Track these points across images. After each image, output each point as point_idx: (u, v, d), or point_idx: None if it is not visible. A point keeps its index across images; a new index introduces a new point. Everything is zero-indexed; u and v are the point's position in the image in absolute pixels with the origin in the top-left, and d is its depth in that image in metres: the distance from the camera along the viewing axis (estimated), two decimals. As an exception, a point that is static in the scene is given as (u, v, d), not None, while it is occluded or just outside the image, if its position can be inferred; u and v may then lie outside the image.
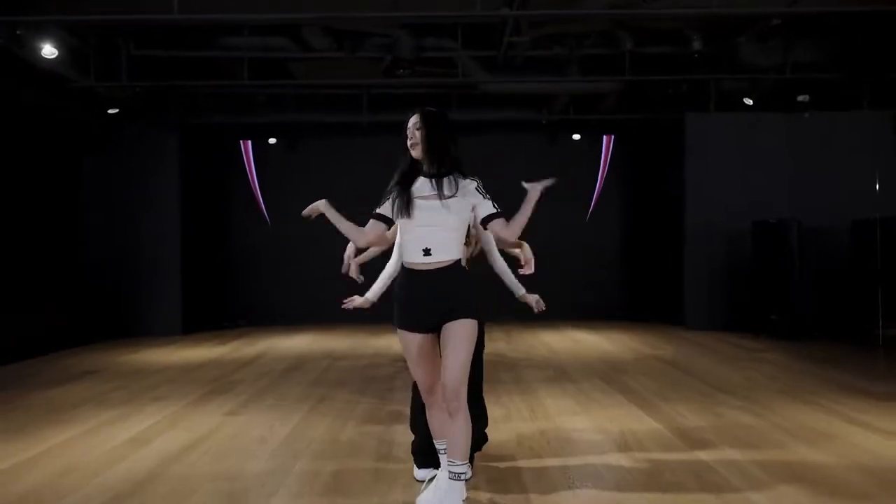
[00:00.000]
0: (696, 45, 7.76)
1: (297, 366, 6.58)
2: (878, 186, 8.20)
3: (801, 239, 7.88)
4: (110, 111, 7.75)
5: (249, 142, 10.57)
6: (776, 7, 6.06)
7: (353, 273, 3.38)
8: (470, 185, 2.60)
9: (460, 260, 2.64)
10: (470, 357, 2.58)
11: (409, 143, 2.62)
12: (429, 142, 2.58)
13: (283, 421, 4.33)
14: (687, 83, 8.97)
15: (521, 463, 3.39)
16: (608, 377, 5.67)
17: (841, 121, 8.67)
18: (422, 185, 2.59)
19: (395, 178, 2.66)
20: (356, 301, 3.25)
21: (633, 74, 7.95)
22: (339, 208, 2.75)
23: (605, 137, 10.85)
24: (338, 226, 2.73)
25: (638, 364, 6.38)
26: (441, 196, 2.54)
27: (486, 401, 3.35)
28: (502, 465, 3.35)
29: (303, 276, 10.09)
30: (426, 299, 2.56)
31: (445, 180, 2.57)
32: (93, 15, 5.75)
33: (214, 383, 5.65)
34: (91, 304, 8.70)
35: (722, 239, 8.76)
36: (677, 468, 3.24)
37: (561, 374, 5.89)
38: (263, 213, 10.59)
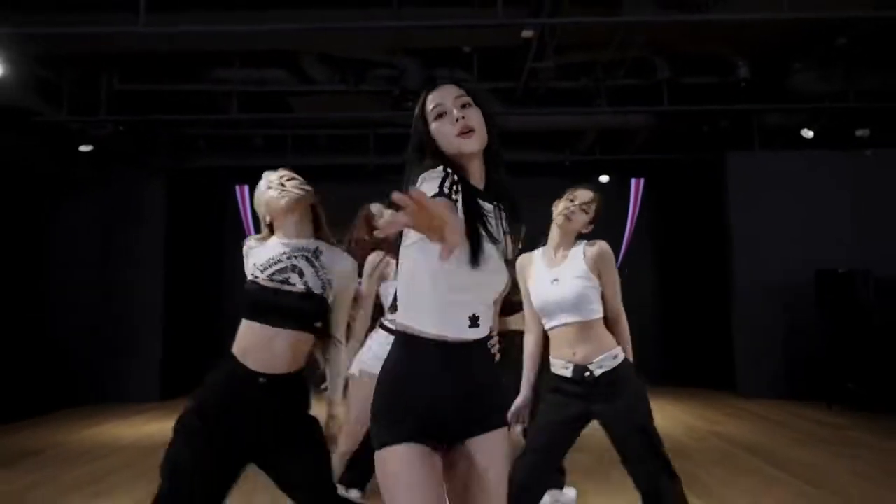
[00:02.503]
0: (742, 72, 6.89)
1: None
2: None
3: (875, 291, 6.76)
4: (82, 148, 6.88)
5: (246, 187, 9.73)
6: (859, 10, 5.12)
7: None
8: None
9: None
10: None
11: (458, 128, 1.46)
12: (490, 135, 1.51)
13: None
14: (727, 119, 8.05)
15: None
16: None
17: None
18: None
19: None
20: None
21: (670, 105, 7.05)
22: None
23: (633, 181, 9.91)
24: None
25: (694, 443, 5.20)
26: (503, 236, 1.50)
27: None
28: None
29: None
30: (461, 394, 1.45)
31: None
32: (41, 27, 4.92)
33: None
34: (56, 370, 7.66)
35: (775, 292, 7.63)
36: None
37: (600, 460, 4.63)
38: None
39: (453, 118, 1.47)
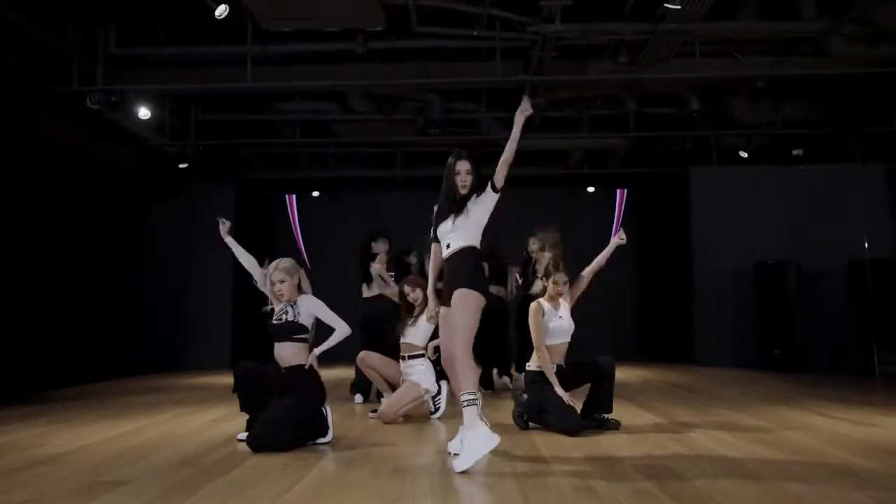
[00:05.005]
0: (694, 105, 8.73)
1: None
2: (869, 232, 8.92)
3: (799, 279, 8.56)
4: (181, 166, 8.93)
5: (294, 195, 11.71)
6: (759, 70, 7.00)
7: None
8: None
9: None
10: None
11: (461, 184, 3.46)
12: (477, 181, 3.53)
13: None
14: (690, 140, 9.90)
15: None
16: (618, 393, 6.31)
17: (834, 173, 9.47)
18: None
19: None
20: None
21: (638, 132, 8.93)
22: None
23: (618, 191, 11.77)
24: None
25: (646, 386, 7.02)
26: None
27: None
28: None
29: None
30: None
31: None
32: (181, 84, 6.94)
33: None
34: (144, 346, 9.67)
35: (726, 281, 9.45)
36: (667, 443, 3.94)
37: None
38: (304, 260, 11.59)
39: (461, 179, 3.48)
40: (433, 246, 3.65)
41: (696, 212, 9.80)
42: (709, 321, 9.49)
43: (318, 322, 3.93)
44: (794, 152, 9.51)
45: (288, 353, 3.83)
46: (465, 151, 3.52)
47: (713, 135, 9.49)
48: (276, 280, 3.86)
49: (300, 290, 3.95)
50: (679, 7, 5.49)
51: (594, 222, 11.16)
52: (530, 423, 4.27)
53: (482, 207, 3.49)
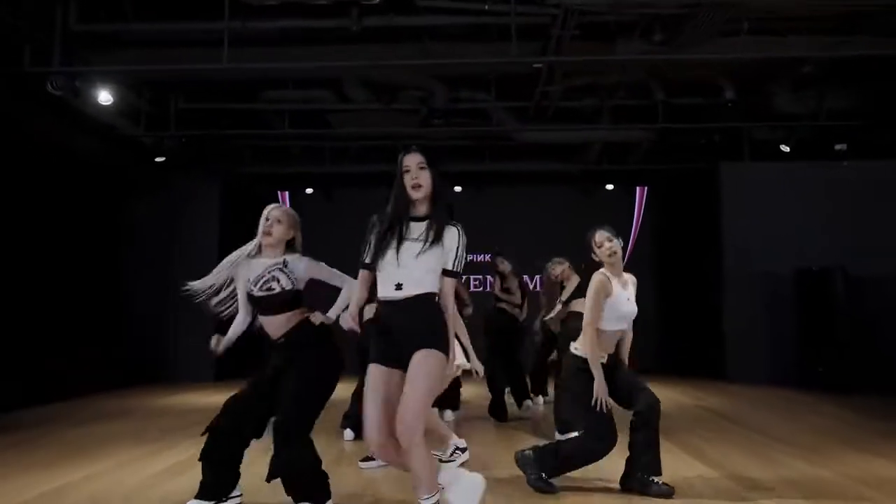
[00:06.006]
0: (729, 94, 7.82)
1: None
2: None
3: (847, 286, 7.66)
4: (157, 159, 8.05)
5: (287, 192, 10.84)
6: (815, 51, 6.08)
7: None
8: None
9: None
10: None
11: (411, 183, 2.49)
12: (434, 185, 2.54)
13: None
14: (720, 133, 8.98)
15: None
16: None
17: (882, 170, 8.53)
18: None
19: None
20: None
21: (666, 123, 8.02)
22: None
23: (637, 189, 10.87)
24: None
25: (683, 414, 6.14)
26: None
27: None
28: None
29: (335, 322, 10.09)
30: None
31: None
32: (149, 65, 6.06)
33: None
34: (128, 348, 8.80)
35: (762, 288, 8.55)
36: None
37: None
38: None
39: (412, 176, 2.49)
40: (362, 274, 2.66)
41: (727, 212, 8.89)
42: (742, 333, 8.59)
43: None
44: (838, 147, 8.58)
45: (279, 323, 3.05)
46: (416, 146, 2.59)
47: (747, 127, 8.56)
48: (272, 217, 3.08)
49: (292, 248, 3.15)
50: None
51: (611, 223, 10.23)
52: (553, 482, 3.40)
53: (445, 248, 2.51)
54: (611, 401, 3.34)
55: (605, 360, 3.38)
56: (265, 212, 3.11)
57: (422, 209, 2.54)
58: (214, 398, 7.36)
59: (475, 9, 5.97)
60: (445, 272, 2.50)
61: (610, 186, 10.48)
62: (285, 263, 3.03)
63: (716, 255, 9.02)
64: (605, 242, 3.39)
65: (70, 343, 7.60)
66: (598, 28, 6.18)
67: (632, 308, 3.42)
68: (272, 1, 5.90)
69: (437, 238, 2.46)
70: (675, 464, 3.97)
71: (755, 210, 8.73)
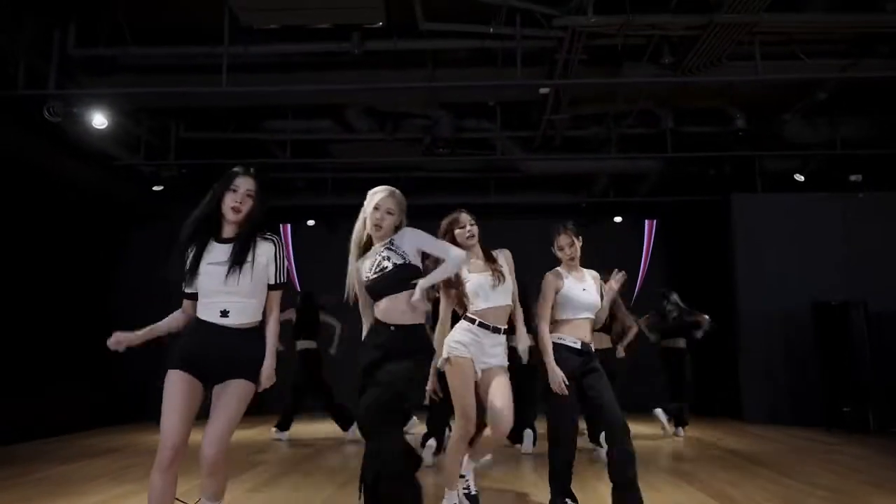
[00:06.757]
0: (740, 122, 7.64)
1: (323, 449, 6.15)
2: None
3: (868, 322, 7.33)
4: (155, 188, 7.89)
5: (289, 225, 10.65)
6: (830, 73, 5.91)
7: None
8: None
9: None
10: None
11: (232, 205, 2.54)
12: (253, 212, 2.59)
13: (307, 501, 3.90)
14: (730, 164, 8.78)
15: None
16: (670, 467, 5.09)
17: (896, 200, 8.29)
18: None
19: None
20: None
21: (675, 153, 7.83)
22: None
23: (647, 222, 10.63)
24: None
25: (702, 454, 5.76)
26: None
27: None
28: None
29: (333, 358, 9.76)
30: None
31: None
32: (146, 88, 5.94)
33: (237, 462, 5.25)
34: (116, 383, 8.48)
35: (778, 324, 8.21)
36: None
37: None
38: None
39: (235, 198, 2.52)
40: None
41: (740, 244, 8.62)
42: (758, 371, 8.21)
43: None
44: (853, 178, 8.35)
45: (401, 306, 2.72)
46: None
47: (759, 156, 8.36)
48: (382, 206, 2.81)
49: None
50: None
51: (619, 257, 9.97)
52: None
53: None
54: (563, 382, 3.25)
55: (577, 345, 3.36)
56: (374, 201, 2.83)
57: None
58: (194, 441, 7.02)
59: (480, 32, 5.85)
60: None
61: (618, 219, 10.24)
62: (391, 242, 2.80)
63: (729, 289, 8.71)
64: (567, 248, 3.49)
65: (58, 379, 7.31)
66: (606, 51, 6.04)
67: (590, 298, 3.46)
68: (273, 25, 5.81)
69: None
70: (699, 507, 3.62)
71: (769, 243, 8.46)
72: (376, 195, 2.82)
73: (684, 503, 3.75)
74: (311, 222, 10.44)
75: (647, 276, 10.40)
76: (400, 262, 2.72)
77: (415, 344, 2.70)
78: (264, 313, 2.58)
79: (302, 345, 6.87)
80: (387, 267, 2.73)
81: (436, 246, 2.82)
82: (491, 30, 5.74)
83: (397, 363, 2.61)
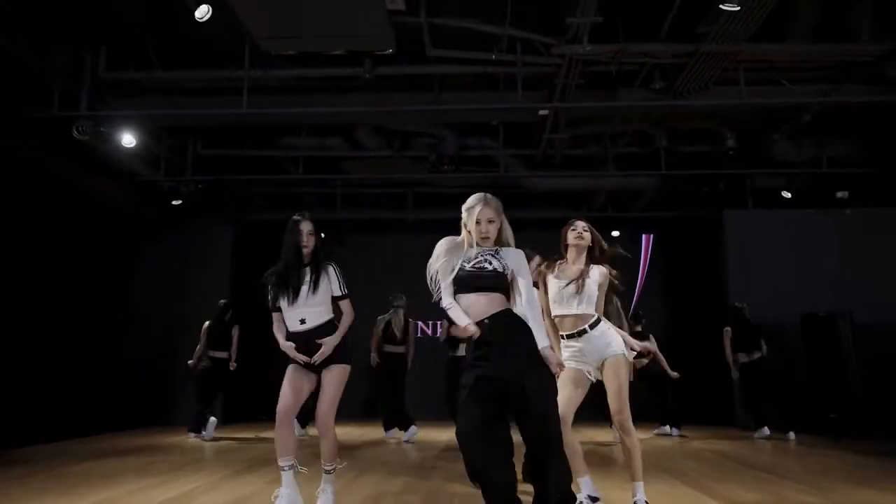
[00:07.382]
0: (731, 142, 8.04)
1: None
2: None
3: (854, 332, 7.66)
4: (174, 203, 8.32)
5: (299, 238, 11.03)
6: (810, 97, 6.31)
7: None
8: None
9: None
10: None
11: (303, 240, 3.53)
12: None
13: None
14: (723, 182, 9.16)
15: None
16: (656, 463, 5.41)
17: (883, 216, 8.65)
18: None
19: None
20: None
21: (669, 170, 8.21)
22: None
23: (644, 237, 11.00)
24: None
25: (687, 454, 6.09)
26: None
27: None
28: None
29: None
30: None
31: None
32: (172, 110, 6.37)
33: (257, 458, 5.60)
34: (134, 390, 8.85)
35: (769, 334, 8.53)
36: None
37: (606, 460, 5.67)
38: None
39: (303, 235, 3.49)
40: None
41: (732, 258, 8.99)
42: (750, 379, 8.51)
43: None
44: (839, 194, 8.73)
45: (486, 302, 2.83)
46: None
47: (749, 174, 8.75)
48: (483, 218, 2.89)
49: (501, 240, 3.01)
50: (738, 8, 4.80)
51: (618, 269, 10.32)
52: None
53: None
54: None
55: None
56: (474, 216, 2.90)
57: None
58: (222, 442, 7.38)
59: (483, 59, 6.26)
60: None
61: (616, 233, 10.60)
62: (497, 251, 2.92)
63: (721, 302, 9.05)
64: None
65: (80, 383, 7.68)
66: (601, 77, 6.46)
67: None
68: (290, 51, 6.25)
69: None
70: (686, 499, 3.96)
71: (760, 256, 8.82)
72: (474, 209, 2.89)
73: (668, 492, 4.08)
74: (321, 235, 10.82)
75: (644, 288, 10.76)
76: (500, 270, 2.85)
77: (514, 329, 2.80)
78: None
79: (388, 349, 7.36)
80: (486, 268, 2.84)
81: (524, 282, 2.90)
82: (493, 57, 6.16)
83: (531, 379, 2.67)
